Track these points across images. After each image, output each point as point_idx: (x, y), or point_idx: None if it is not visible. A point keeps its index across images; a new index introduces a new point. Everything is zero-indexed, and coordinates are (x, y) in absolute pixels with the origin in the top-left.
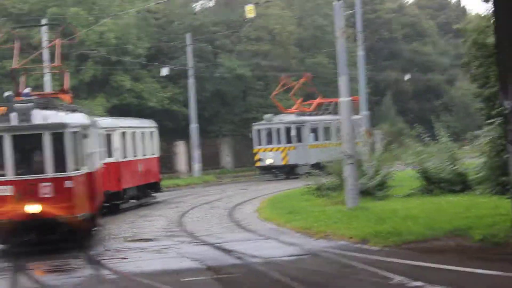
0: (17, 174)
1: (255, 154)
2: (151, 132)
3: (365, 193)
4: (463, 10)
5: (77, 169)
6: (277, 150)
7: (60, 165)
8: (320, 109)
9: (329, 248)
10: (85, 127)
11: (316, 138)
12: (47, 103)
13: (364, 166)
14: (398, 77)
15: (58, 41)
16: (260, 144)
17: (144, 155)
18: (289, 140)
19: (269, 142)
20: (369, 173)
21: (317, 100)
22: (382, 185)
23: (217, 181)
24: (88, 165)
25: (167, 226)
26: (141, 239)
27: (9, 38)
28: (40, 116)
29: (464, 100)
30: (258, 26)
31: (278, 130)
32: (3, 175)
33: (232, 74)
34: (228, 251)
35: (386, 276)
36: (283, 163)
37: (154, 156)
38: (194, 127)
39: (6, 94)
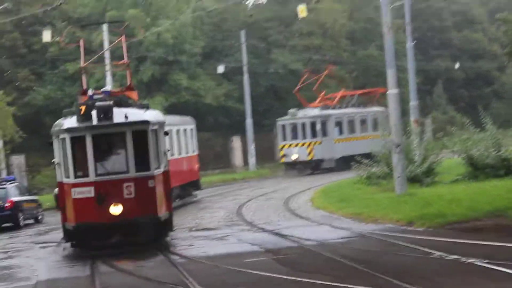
0: (99, 175)
1: (280, 150)
2: (191, 129)
3: (413, 180)
4: None
5: (157, 168)
6: (302, 145)
7: (142, 164)
8: (343, 102)
9: (378, 230)
10: (161, 124)
11: (341, 132)
12: (122, 101)
13: (412, 154)
14: (448, 65)
15: (123, 38)
16: (285, 140)
17: (187, 153)
18: (314, 135)
19: (294, 137)
20: (417, 161)
21: (340, 93)
22: (429, 172)
23: (272, 174)
24: (165, 163)
25: (227, 216)
26: (204, 229)
27: (70, 41)
28: (120, 114)
29: None
30: (310, 20)
31: (303, 124)
32: (84, 176)
33: (285, 69)
34: (284, 236)
35: (427, 251)
36: (308, 158)
37: (195, 153)
38: (249, 122)
39: (90, 92)
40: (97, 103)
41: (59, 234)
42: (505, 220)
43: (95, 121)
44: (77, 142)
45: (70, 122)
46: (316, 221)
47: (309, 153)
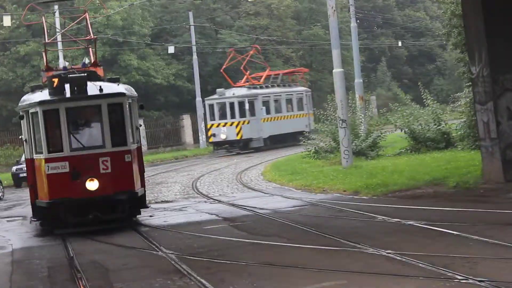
0: (73, 150)
1: (209, 129)
2: None
3: (359, 153)
4: None
5: (133, 143)
6: (231, 125)
7: (118, 138)
8: (268, 81)
9: (326, 199)
10: (135, 98)
11: (268, 112)
12: (93, 75)
13: (357, 129)
14: (392, 43)
15: (86, 15)
16: (213, 119)
17: None
18: (243, 114)
19: (223, 116)
20: (362, 136)
21: (266, 73)
22: (374, 146)
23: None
24: (138, 138)
25: (183, 190)
26: (163, 201)
27: (19, 25)
28: (94, 87)
29: (455, 62)
30: (257, 1)
31: (231, 104)
32: (58, 151)
33: (233, 49)
34: (239, 206)
35: (372, 216)
36: (237, 137)
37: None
38: (198, 100)
39: (62, 65)
40: (71, 75)
41: (24, 209)
42: (442, 188)
43: (68, 93)
44: (50, 116)
45: (42, 95)
46: (268, 192)
47: (238, 133)
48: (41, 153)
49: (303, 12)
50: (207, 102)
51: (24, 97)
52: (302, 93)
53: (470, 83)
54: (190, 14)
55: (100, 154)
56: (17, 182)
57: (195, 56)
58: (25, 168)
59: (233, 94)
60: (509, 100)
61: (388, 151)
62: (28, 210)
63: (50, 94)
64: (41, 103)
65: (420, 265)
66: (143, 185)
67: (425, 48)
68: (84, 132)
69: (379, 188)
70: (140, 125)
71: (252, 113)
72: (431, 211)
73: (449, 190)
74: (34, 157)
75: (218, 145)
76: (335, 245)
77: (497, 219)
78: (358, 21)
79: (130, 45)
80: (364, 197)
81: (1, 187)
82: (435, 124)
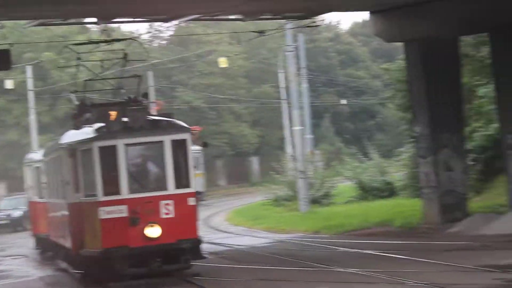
0: (132, 192)
1: None
2: None
3: (313, 201)
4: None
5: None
6: None
7: (181, 179)
8: None
9: (292, 237)
10: (191, 135)
11: None
12: (148, 109)
13: (311, 181)
14: (335, 101)
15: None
16: None
17: None
18: None
19: None
20: (316, 186)
21: None
22: (326, 195)
23: None
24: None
25: None
26: None
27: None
28: (155, 122)
29: (396, 120)
30: (210, 61)
31: None
32: (115, 193)
33: (187, 106)
34: (219, 244)
35: (335, 248)
36: None
37: None
38: None
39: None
40: (129, 108)
41: (20, 249)
42: (390, 228)
43: (128, 128)
44: (107, 153)
45: (95, 130)
46: (239, 233)
47: None
48: (93, 195)
49: (253, 71)
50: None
51: (67, 134)
52: (197, 153)
53: (412, 139)
54: (150, 74)
55: (162, 196)
56: None
57: None
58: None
59: None
60: (446, 155)
61: (338, 199)
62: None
63: (105, 129)
64: (96, 138)
65: (381, 276)
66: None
67: (366, 105)
68: (143, 171)
69: (336, 228)
70: (195, 166)
71: None
72: (383, 244)
73: (396, 229)
74: (80, 201)
75: None
76: (310, 266)
77: (436, 248)
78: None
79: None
80: (324, 235)
81: None
82: (380, 176)
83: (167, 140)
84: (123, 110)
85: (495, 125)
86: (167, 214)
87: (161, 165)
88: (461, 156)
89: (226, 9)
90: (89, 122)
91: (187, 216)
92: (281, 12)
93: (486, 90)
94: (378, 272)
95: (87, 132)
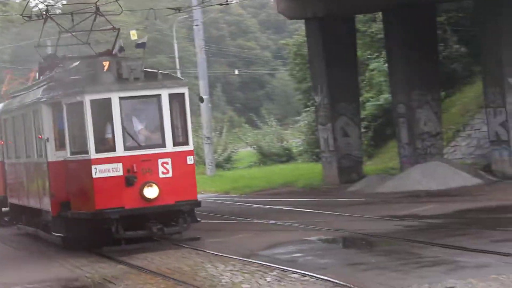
0: (128, 149)
1: None
2: None
3: (217, 166)
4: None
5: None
6: None
7: (179, 136)
8: None
9: (206, 197)
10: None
11: None
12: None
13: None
14: (226, 71)
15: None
16: None
17: None
18: None
19: None
20: (218, 151)
21: None
22: (229, 160)
23: None
24: None
25: None
26: None
27: None
28: (151, 74)
29: (284, 90)
30: (108, 32)
31: None
32: (110, 150)
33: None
34: None
35: (248, 204)
36: None
37: None
38: None
39: (118, 46)
40: (124, 58)
41: None
42: (294, 188)
43: (124, 80)
44: (100, 107)
45: (86, 82)
46: None
47: None
48: (82, 153)
49: (149, 41)
50: None
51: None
52: None
53: (308, 109)
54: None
55: (160, 155)
56: None
57: None
58: None
59: None
60: (343, 122)
61: (240, 163)
62: None
63: (97, 80)
64: (88, 91)
65: (297, 225)
66: None
67: (256, 75)
68: (139, 127)
69: (244, 189)
70: None
71: None
72: (291, 201)
73: (299, 189)
74: (67, 159)
75: None
76: (233, 219)
77: (340, 203)
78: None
79: None
80: (234, 195)
81: None
82: (278, 142)
83: (164, 93)
84: (116, 60)
85: (385, 95)
86: (165, 173)
87: (158, 120)
88: (356, 124)
89: None
90: (61, 76)
91: (186, 176)
92: None
93: (376, 64)
94: (293, 222)
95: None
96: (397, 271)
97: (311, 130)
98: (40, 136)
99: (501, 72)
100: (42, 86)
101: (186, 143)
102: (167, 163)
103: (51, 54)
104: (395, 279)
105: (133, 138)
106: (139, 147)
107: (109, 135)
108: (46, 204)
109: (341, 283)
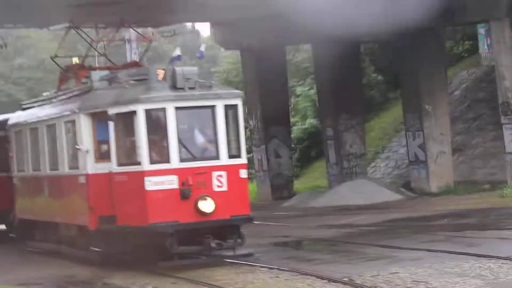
0: (182, 160)
1: None
2: None
3: None
4: (197, 33)
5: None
6: None
7: (233, 149)
8: None
9: None
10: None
11: None
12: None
13: None
14: None
15: None
16: None
17: None
18: None
19: None
20: None
21: None
22: None
23: None
24: None
25: None
26: None
27: None
28: (205, 84)
29: None
30: (30, 56)
31: None
32: (164, 162)
33: (9, 99)
34: None
35: None
36: None
37: None
38: None
39: (175, 54)
40: (180, 68)
41: None
42: None
43: (179, 89)
44: (155, 116)
45: (139, 91)
46: None
47: None
48: (132, 164)
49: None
50: None
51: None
52: None
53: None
54: None
55: (215, 167)
56: None
57: None
58: None
59: None
60: (275, 144)
61: None
62: None
63: (151, 89)
64: (142, 100)
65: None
66: None
67: None
68: (194, 138)
69: None
70: None
71: None
72: None
73: None
74: (112, 171)
75: None
76: None
77: (279, 216)
78: None
79: None
80: None
81: None
82: None
83: (219, 104)
84: (171, 69)
85: (310, 120)
86: (219, 186)
87: (213, 132)
88: (287, 145)
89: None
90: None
91: (239, 189)
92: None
93: (302, 89)
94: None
95: (131, 92)
96: (347, 263)
97: (246, 152)
98: (78, 147)
99: (418, 99)
100: (76, 95)
101: (239, 155)
102: (221, 176)
103: (76, 64)
104: (347, 269)
105: (187, 150)
106: (194, 159)
107: (163, 146)
108: (81, 218)
109: (304, 271)
